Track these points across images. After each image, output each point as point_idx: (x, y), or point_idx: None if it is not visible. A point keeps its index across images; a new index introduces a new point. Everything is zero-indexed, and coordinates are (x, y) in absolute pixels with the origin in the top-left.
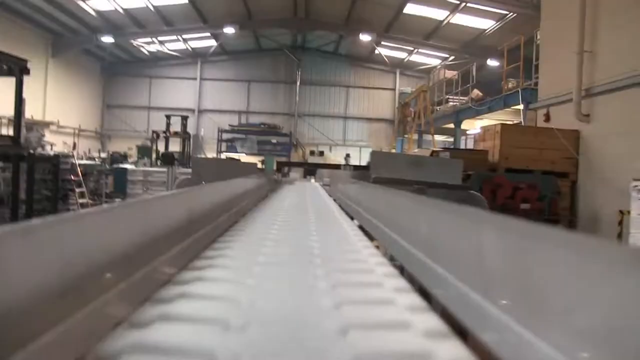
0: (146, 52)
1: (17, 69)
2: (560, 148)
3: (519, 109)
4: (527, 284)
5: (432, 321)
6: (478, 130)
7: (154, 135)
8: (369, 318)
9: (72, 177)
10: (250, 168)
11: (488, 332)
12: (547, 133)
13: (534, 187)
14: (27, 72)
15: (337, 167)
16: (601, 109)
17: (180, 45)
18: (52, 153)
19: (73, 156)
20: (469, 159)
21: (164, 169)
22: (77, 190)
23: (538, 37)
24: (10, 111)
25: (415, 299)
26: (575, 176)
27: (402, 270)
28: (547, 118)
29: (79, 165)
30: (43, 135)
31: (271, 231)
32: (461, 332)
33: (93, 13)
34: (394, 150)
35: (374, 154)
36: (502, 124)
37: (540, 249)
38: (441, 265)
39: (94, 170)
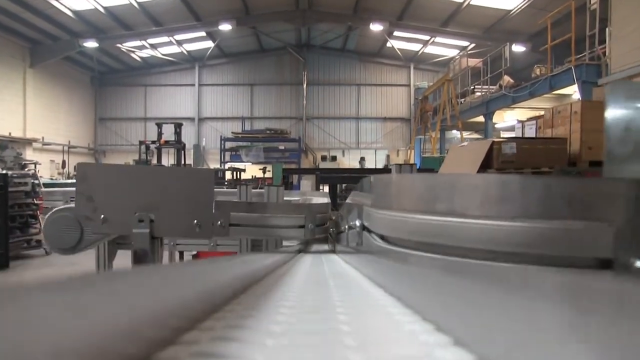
0: (138, 59)
1: None
2: None
3: (563, 94)
4: None
5: None
6: (508, 123)
7: (143, 146)
8: None
9: (35, 201)
10: (191, 180)
11: None
12: None
13: None
14: None
15: (377, 171)
16: None
17: (174, 49)
18: (34, 172)
19: (35, 175)
20: (543, 150)
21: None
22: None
23: (592, 1)
24: None
25: None
26: None
27: None
28: None
29: (52, 185)
30: (20, 154)
31: None
32: None
33: (70, 14)
34: (412, 152)
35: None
36: (583, 101)
37: None
38: None
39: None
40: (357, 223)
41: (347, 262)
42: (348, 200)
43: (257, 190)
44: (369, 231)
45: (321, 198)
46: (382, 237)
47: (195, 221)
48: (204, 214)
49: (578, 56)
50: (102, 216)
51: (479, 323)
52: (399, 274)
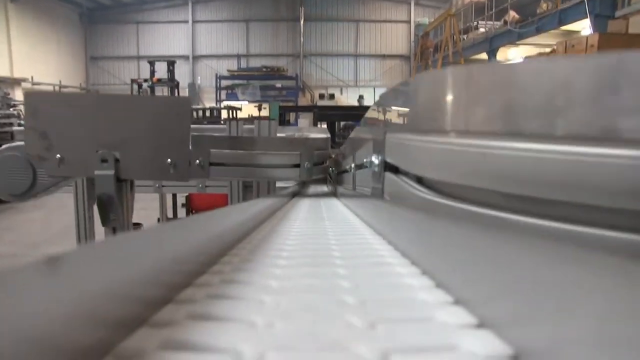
0: None
1: None
2: None
3: (571, 30)
4: None
5: None
6: (512, 61)
7: (135, 85)
8: None
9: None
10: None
11: None
12: None
13: None
14: None
15: None
16: None
17: None
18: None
19: (18, 115)
20: None
21: None
22: None
23: None
24: None
25: None
26: None
27: None
28: None
29: None
30: (7, 94)
31: None
32: None
33: None
34: None
35: None
36: (600, 34)
37: None
38: None
39: None
40: (375, 160)
41: (349, 208)
42: (352, 136)
43: (250, 126)
44: (396, 171)
45: (319, 133)
46: (421, 181)
47: (169, 160)
48: (179, 151)
49: None
50: (58, 156)
51: (484, 282)
52: (412, 228)
